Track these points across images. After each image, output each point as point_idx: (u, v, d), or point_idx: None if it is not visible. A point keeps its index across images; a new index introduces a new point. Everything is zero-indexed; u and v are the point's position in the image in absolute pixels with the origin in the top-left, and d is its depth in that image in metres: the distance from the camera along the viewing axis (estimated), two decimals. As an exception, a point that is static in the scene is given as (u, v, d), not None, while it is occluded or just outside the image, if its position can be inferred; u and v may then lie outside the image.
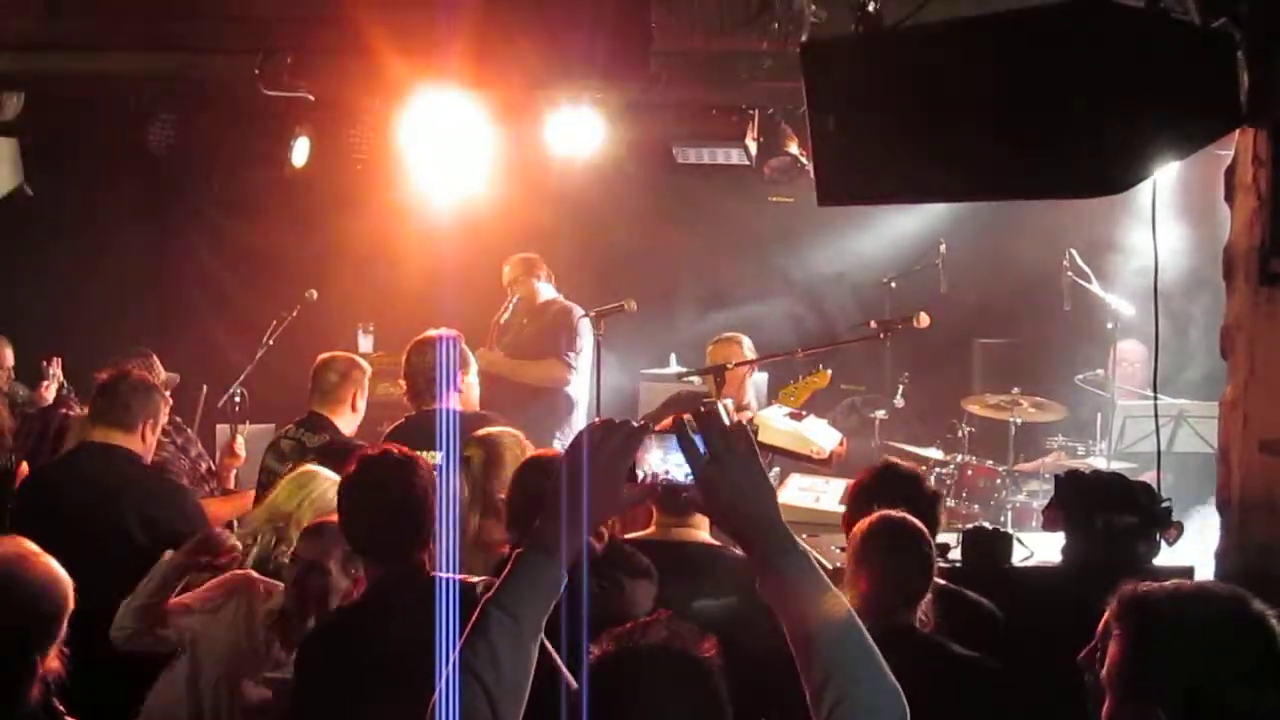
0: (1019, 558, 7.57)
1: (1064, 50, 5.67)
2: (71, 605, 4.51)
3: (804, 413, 10.12)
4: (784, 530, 3.46)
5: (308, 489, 7.22)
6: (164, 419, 8.49)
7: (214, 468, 10.04)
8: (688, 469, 3.39)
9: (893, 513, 5.89)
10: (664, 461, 3.40)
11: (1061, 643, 4.87)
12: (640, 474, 3.38)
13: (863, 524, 5.89)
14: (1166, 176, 8.30)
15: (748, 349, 11.04)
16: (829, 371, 10.71)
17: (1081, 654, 4.34)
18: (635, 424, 3.47)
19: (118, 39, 9.02)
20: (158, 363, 10.46)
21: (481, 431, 7.38)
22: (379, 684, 5.40)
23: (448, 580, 5.48)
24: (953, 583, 6.51)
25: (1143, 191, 6.34)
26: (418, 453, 6.07)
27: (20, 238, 14.11)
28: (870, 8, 6.61)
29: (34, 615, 4.37)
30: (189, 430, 10.50)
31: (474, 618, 3.31)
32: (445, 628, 5.33)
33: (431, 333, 8.92)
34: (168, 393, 9.91)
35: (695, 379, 11.38)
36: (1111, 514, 6.85)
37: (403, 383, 9.13)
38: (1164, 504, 6.91)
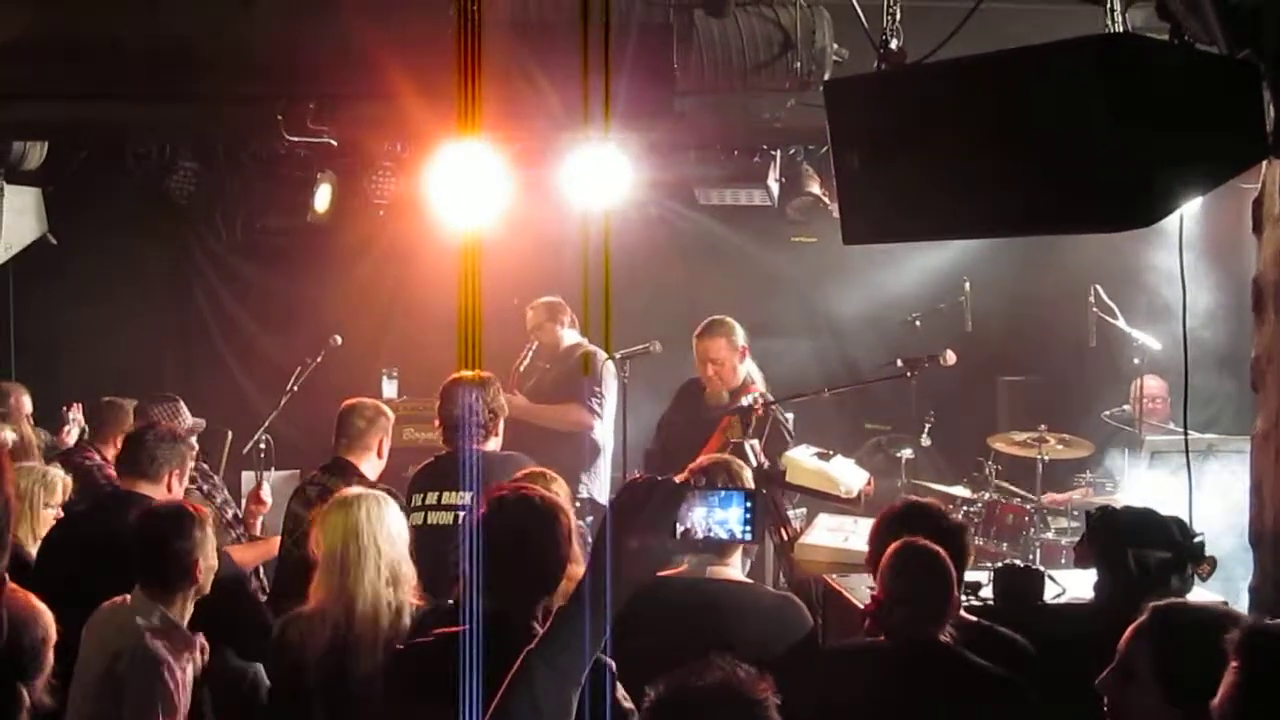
0: (1051, 595, 7.51)
1: (1089, 84, 5.65)
2: (54, 637, 4.50)
3: (831, 452, 10.08)
4: None
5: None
6: (190, 467, 8.51)
7: (240, 514, 10.04)
8: (731, 525, 3.38)
9: (914, 539, 5.93)
10: (707, 518, 3.39)
11: (1095, 680, 4.85)
12: (683, 529, 3.37)
13: (887, 552, 5.95)
14: (1191, 209, 8.27)
15: (739, 337, 10.93)
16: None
17: (1099, 678, 4.34)
18: (677, 480, 3.47)
19: (139, 87, 9.04)
20: (184, 408, 10.47)
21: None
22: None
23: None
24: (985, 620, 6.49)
25: (1169, 225, 6.32)
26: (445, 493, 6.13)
27: (44, 286, 14.15)
28: (893, 45, 6.59)
29: (15, 647, 4.30)
30: (215, 477, 10.52)
31: (516, 667, 3.31)
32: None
33: (469, 373, 8.91)
34: (193, 438, 9.95)
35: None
36: (1144, 549, 6.80)
37: (433, 424, 9.13)
38: (1196, 538, 6.86)
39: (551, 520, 5.59)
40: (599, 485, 11.69)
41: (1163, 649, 4.44)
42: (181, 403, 10.49)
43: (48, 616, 4.55)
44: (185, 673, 6.60)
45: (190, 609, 6.76)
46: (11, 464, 2.28)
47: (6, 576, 2.24)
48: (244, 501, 10.37)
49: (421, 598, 7.04)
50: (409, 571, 6.98)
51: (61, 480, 8.55)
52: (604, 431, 11.62)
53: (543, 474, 7.24)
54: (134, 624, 6.54)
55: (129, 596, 6.73)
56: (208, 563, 6.76)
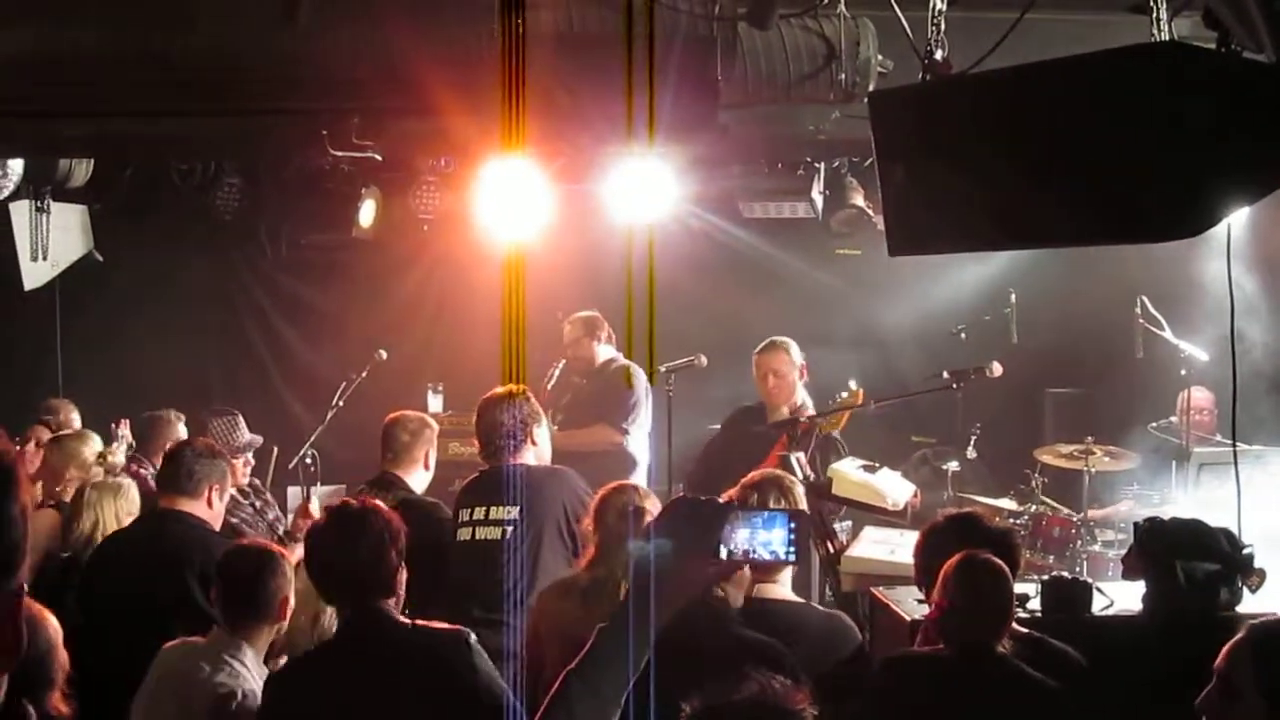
0: (1099, 607, 7.48)
1: (1134, 93, 5.63)
2: (60, 644, 4.45)
3: (877, 464, 10.07)
4: None
5: None
6: (232, 483, 8.53)
7: (290, 530, 10.06)
8: (775, 547, 3.35)
9: (978, 550, 5.91)
10: (750, 539, 3.36)
11: (1147, 692, 4.82)
12: (727, 550, 3.35)
13: (951, 561, 5.90)
14: (1239, 219, 8.23)
15: (795, 354, 10.95)
16: (861, 390, 10.68)
17: (1199, 699, 4.31)
18: (721, 501, 3.45)
19: (183, 104, 9.06)
20: (242, 422, 10.48)
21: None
22: None
23: (410, 626, 5.78)
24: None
25: (1216, 235, 6.29)
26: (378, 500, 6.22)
27: (90, 303, 14.21)
28: (938, 55, 6.57)
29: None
30: (268, 494, 10.52)
31: (555, 687, 3.30)
32: (399, 669, 5.62)
33: (500, 390, 8.90)
34: (250, 454, 9.96)
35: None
36: (1193, 561, 6.78)
37: (475, 441, 9.13)
38: (1246, 550, 6.83)
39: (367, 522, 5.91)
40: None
41: (1268, 665, 4.40)
42: (240, 417, 10.50)
43: (53, 623, 4.53)
44: None
45: (267, 647, 6.76)
46: (29, 474, 2.28)
47: (26, 586, 2.23)
48: (290, 516, 10.38)
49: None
50: None
51: (134, 488, 8.60)
52: (639, 446, 11.59)
53: (637, 487, 7.28)
54: (223, 661, 6.52)
55: (203, 637, 6.71)
56: (291, 601, 6.76)
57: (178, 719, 6.45)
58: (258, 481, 10.74)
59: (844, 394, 10.78)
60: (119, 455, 10.20)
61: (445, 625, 5.95)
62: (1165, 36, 6.33)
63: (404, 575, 6.00)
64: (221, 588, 6.70)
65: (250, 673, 6.47)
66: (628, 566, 3.41)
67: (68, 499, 9.00)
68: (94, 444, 9.45)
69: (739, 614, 6.15)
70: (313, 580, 6.20)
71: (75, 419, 11.59)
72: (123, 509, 8.47)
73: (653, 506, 6.93)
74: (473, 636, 5.87)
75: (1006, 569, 5.89)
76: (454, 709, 5.64)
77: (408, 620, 5.89)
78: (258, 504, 9.98)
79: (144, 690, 6.59)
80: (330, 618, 6.84)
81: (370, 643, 5.79)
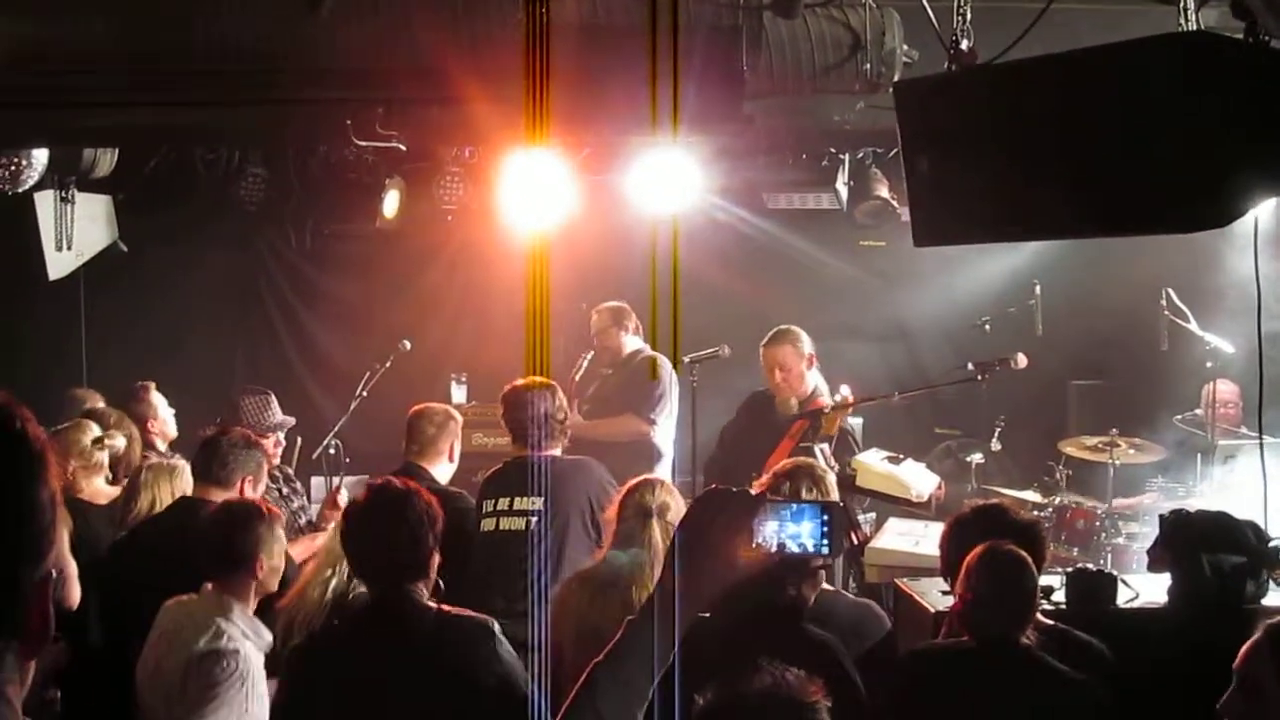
0: (1124, 599, 7.45)
1: (1160, 83, 5.61)
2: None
3: (901, 456, 10.05)
4: None
5: None
6: (265, 473, 8.52)
7: (314, 520, 10.07)
8: (804, 539, 3.32)
9: (1002, 543, 5.88)
10: (780, 531, 3.34)
11: (1173, 684, 4.80)
12: (757, 543, 3.32)
13: (973, 553, 5.89)
14: (1265, 210, 8.20)
15: (803, 345, 10.91)
16: (850, 397, 10.67)
17: (1221, 702, 4.29)
18: (757, 486, 3.43)
19: (207, 94, 9.06)
20: (274, 402, 10.46)
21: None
22: (354, 701, 5.63)
23: (436, 611, 5.80)
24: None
25: (1242, 226, 6.26)
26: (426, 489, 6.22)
27: (114, 293, 14.22)
28: (963, 45, 6.56)
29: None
30: (296, 482, 10.51)
31: (582, 680, 3.27)
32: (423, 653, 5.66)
33: (531, 380, 8.91)
34: (281, 434, 9.95)
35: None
36: (1218, 553, 6.76)
37: (500, 431, 9.14)
38: (1272, 543, 6.80)
39: (406, 502, 5.92)
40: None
41: None
42: (272, 397, 10.48)
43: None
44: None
45: (253, 607, 6.78)
46: (56, 459, 2.28)
47: (54, 572, 2.23)
48: (318, 506, 10.40)
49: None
50: None
51: (188, 469, 8.59)
52: (664, 437, 11.58)
53: (663, 482, 7.25)
54: (212, 620, 6.57)
55: (194, 595, 6.76)
56: (272, 562, 6.78)
57: (172, 677, 6.55)
58: (287, 469, 10.73)
59: (836, 397, 10.77)
60: (118, 440, 10.23)
61: (471, 613, 5.95)
62: (1192, 26, 6.31)
63: (437, 560, 6.01)
64: (199, 543, 6.86)
65: (239, 630, 6.57)
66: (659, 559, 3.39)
67: (77, 492, 8.99)
68: (92, 430, 9.42)
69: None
70: (348, 556, 6.22)
71: (101, 406, 11.60)
72: (178, 488, 8.45)
73: (675, 501, 6.92)
74: (497, 625, 5.87)
75: (1029, 560, 5.86)
76: (473, 695, 5.64)
77: (435, 605, 5.90)
78: (285, 490, 9.97)
79: (145, 649, 6.75)
80: (333, 589, 6.89)
81: (396, 624, 5.80)
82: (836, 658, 5.72)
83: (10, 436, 2.16)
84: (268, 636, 6.68)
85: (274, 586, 6.88)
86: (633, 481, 7.23)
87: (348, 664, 5.79)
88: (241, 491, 8.02)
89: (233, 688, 6.41)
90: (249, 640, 6.55)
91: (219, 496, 7.89)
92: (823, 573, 6.00)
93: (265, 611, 6.89)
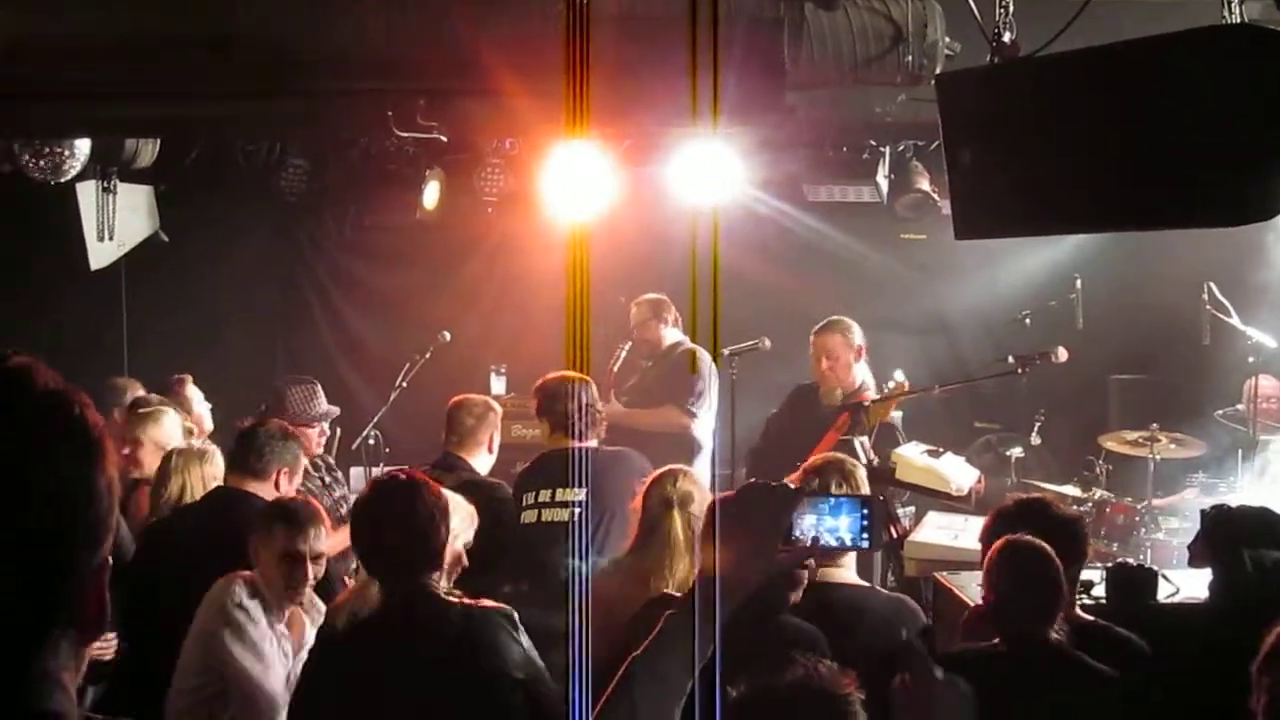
0: (1164, 594, 7.42)
1: (1204, 76, 5.58)
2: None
3: (941, 449, 10.02)
4: None
5: None
6: (302, 465, 8.52)
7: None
8: (842, 533, 3.31)
9: (1020, 536, 5.84)
10: (818, 525, 3.33)
11: (1212, 680, 4.77)
12: (795, 536, 3.31)
13: (993, 549, 5.88)
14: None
15: (853, 335, 10.89)
16: (906, 382, 10.62)
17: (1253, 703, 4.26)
18: (789, 480, 3.42)
19: (248, 85, 9.08)
20: (320, 391, 10.46)
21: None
22: (372, 699, 5.63)
23: (454, 602, 5.79)
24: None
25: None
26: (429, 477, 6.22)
27: (155, 283, 14.26)
28: (1006, 38, 6.53)
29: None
30: (338, 471, 10.51)
31: (619, 675, 3.26)
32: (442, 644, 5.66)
33: (567, 373, 8.92)
34: (325, 424, 9.95)
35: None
36: (1260, 549, 6.71)
37: (539, 423, 9.15)
38: (1315, 538, 6.76)
39: (414, 493, 5.89)
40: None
41: None
42: (318, 386, 10.48)
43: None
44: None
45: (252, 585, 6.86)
46: (114, 445, 2.28)
47: (110, 560, 2.24)
48: (355, 496, 10.40)
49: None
50: None
51: (219, 454, 8.61)
52: (704, 430, 11.55)
53: (684, 471, 7.22)
54: (221, 609, 6.73)
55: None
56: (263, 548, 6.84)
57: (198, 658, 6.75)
58: (329, 458, 10.73)
59: (890, 384, 10.72)
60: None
61: (490, 603, 5.94)
62: (1236, 19, 6.28)
63: (450, 549, 6.00)
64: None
65: (247, 611, 6.71)
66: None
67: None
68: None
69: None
70: (357, 553, 6.23)
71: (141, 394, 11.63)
72: (209, 474, 8.44)
73: (699, 492, 6.90)
74: (516, 615, 5.87)
75: (1047, 550, 5.79)
76: (492, 686, 5.63)
77: (455, 597, 5.89)
78: (326, 479, 9.97)
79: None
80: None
81: (412, 617, 5.78)
82: (823, 650, 5.70)
83: (69, 423, 2.17)
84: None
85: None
86: (657, 471, 7.22)
87: (365, 660, 5.78)
88: (277, 484, 7.99)
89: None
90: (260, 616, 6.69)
91: (254, 488, 7.88)
92: (805, 573, 5.97)
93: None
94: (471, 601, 5.91)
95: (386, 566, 5.95)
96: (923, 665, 4.10)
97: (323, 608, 6.90)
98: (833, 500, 3.36)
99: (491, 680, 5.64)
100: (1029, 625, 5.71)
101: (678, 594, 6.14)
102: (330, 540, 7.68)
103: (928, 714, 4.87)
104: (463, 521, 6.71)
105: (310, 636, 6.70)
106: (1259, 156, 5.45)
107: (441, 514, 5.89)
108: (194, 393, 11.16)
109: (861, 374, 10.88)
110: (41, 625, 2.15)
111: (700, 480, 7.13)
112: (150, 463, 9.13)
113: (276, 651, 6.72)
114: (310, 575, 6.74)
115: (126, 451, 9.12)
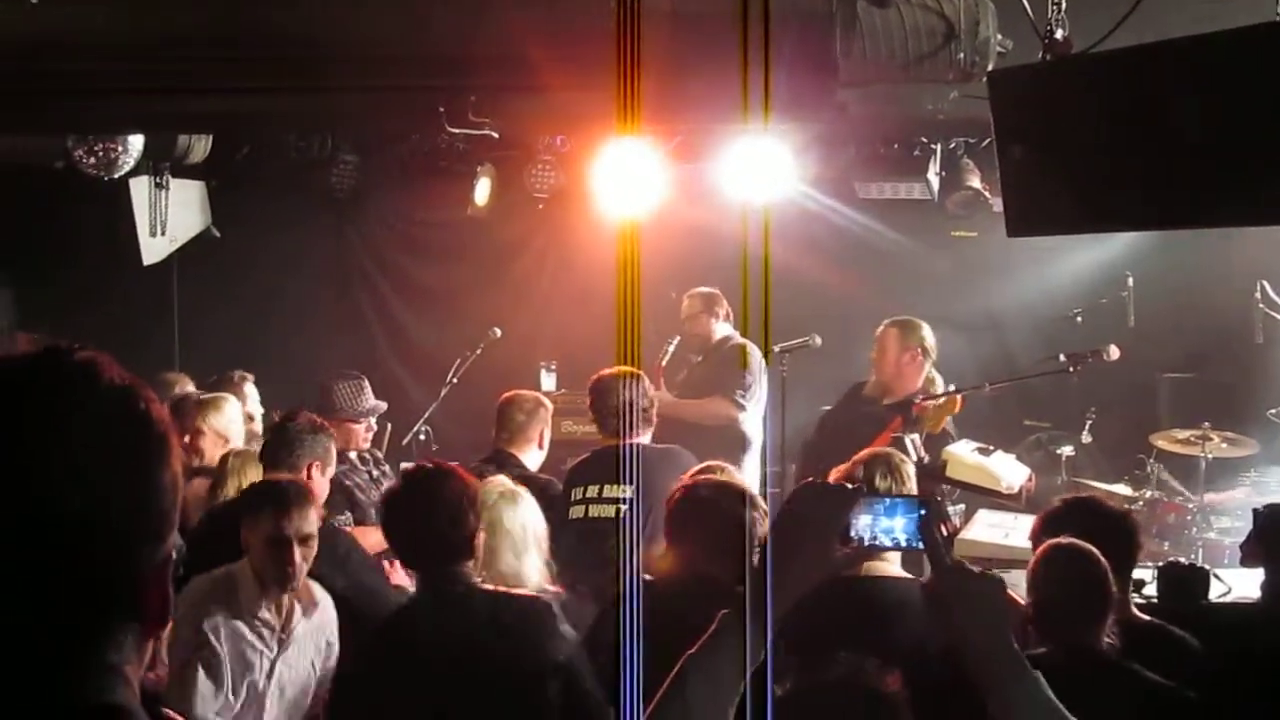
0: (1216, 594, 7.39)
1: (1257, 73, 5.56)
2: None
3: (991, 447, 10.00)
4: (1015, 656, 3.34)
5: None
6: (353, 446, 8.55)
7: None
8: (897, 534, 3.31)
9: (1063, 539, 5.78)
10: (873, 526, 3.33)
11: (1265, 679, 4.75)
12: (851, 537, 3.31)
13: (1035, 555, 5.81)
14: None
15: (913, 336, 10.86)
16: (960, 397, 10.61)
17: None
18: (848, 486, 3.41)
19: (299, 80, 9.11)
20: (368, 387, 10.48)
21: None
22: (408, 686, 5.68)
23: (490, 591, 5.89)
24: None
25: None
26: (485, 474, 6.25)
27: (206, 278, 14.35)
28: (1058, 35, 6.52)
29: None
30: (386, 465, 10.53)
31: (672, 675, 3.24)
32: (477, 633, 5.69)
33: (619, 368, 8.93)
34: (373, 419, 9.98)
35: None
36: (1315, 548, 6.68)
37: (590, 419, 9.17)
38: (1368, 537, 6.73)
39: (442, 484, 5.99)
40: (746, 479, 11.65)
41: None
42: (366, 381, 10.51)
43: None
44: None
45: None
46: (180, 442, 2.31)
47: (174, 555, 2.25)
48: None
49: (562, 586, 7.09)
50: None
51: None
52: (752, 425, 11.52)
53: (721, 467, 7.21)
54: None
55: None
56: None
57: None
58: (378, 452, 10.75)
59: (943, 397, 10.70)
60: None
61: (525, 592, 5.97)
62: (1290, 16, 6.25)
63: (483, 537, 6.03)
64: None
65: (242, 608, 6.72)
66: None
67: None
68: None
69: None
70: (389, 544, 6.26)
71: (191, 390, 11.68)
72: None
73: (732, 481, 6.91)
74: (555, 605, 5.89)
75: (1092, 552, 5.62)
76: (531, 675, 5.65)
77: (489, 586, 5.93)
78: (374, 473, 10.00)
79: None
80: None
81: (446, 606, 5.81)
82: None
83: (135, 417, 2.19)
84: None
85: None
86: (696, 467, 7.23)
87: (403, 650, 5.81)
88: (309, 476, 8.03)
89: None
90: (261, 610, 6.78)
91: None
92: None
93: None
94: (505, 590, 5.94)
95: (418, 556, 5.99)
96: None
97: (321, 599, 6.93)
98: (889, 501, 3.36)
99: (524, 669, 5.66)
100: (1074, 632, 5.61)
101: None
102: (374, 536, 7.73)
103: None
104: (532, 511, 6.79)
105: (301, 627, 6.75)
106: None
107: (470, 502, 5.93)
108: (251, 392, 11.19)
109: (919, 376, 10.85)
110: (105, 619, 2.17)
111: (739, 477, 7.15)
112: (211, 451, 9.20)
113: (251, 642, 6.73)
114: (299, 559, 6.67)
115: (187, 439, 9.17)
